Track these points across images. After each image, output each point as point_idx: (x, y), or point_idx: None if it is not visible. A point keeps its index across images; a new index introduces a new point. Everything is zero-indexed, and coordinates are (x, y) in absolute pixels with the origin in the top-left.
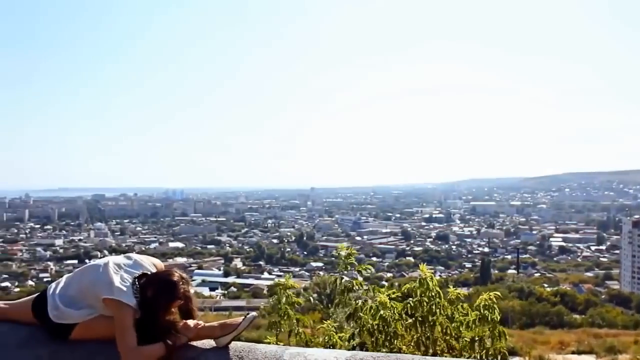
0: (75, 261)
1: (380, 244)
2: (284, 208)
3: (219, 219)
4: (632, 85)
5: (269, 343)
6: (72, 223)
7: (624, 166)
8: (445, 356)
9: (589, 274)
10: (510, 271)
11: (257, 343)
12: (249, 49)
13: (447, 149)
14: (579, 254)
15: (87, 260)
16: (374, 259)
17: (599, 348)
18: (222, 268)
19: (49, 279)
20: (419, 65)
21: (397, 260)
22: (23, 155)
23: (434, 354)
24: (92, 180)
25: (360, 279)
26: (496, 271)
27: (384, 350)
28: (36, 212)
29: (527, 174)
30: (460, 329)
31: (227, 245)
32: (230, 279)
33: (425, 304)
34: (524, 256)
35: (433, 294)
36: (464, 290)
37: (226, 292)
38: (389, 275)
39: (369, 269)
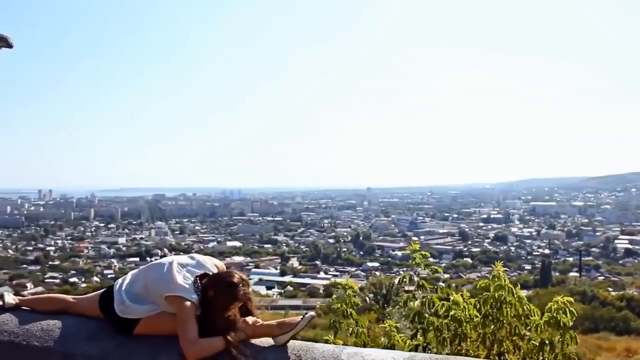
0: (137, 259)
1: (437, 244)
2: (340, 208)
3: (275, 219)
4: None
5: (327, 342)
6: (134, 222)
7: None
8: (510, 358)
9: None
10: (572, 274)
11: (315, 342)
12: (304, 48)
13: (505, 148)
14: None
15: (148, 258)
16: (431, 259)
17: None
18: (278, 267)
19: (113, 275)
20: (476, 65)
21: (454, 261)
22: (89, 156)
23: (499, 354)
24: (153, 180)
25: (415, 278)
26: (557, 273)
27: (446, 351)
28: (101, 211)
29: (589, 173)
30: (529, 330)
31: (284, 244)
32: (287, 278)
33: (495, 300)
34: (587, 258)
35: (505, 291)
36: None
37: (282, 291)
38: (446, 276)
39: (438, 270)
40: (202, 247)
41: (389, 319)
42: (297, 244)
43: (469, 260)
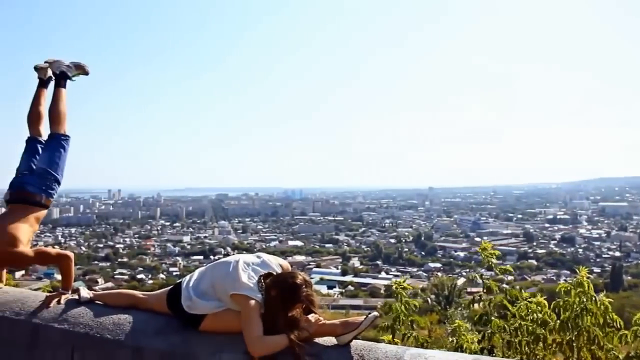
0: (201, 257)
1: (501, 245)
2: (402, 208)
3: (337, 218)
4: None
5: (390, 343)
6: (198, 221)
7: None
8: None
9: None
10: None
11: (377, 342)
12: (369, 49)
13: (572, 146)
14: None
15: (211, 257)
16: (494, 260)
17: None
18: (339, 267)
19: (178, 273)
20: (544, 61)
21: (518, 263)
22: (156, 157)
23: None
24: (216, 180)
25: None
26: (629, 277)
27: (514, 355)
28: (166, 211)
29: None
30: (612, 340)
31: (345, 244)
32: (348, 278)
33: (575, 306)
34: None
35: (587, 297)
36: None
37: (343, 290)
38: (510, 278)
39: (510, 271)
40: (263, 246)
41: (452, 321)
42: (358, 244)
43: (533, 262)
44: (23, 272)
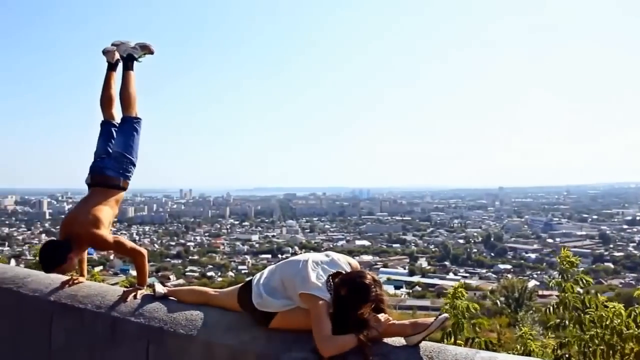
0: (269, 256)
1: (575, 247)
2: (471, 208)
3: (404, 218)
4: None
5: (460, 345)
6: (267, 220)
7: None
8: None
9: None
10: None
11: (445, 344)
12: (434, 49)
13: None
14: None
15: (279, 255)
16: (571, 268)
17: None
18: (407, 267)
19: (247, 271)
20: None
21: (593, 266)
22: (226, 158)
23: None
24: (284, 180)
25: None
26: None
27: None
28: (235, 210)
29: None
30: None
31: (413, 244)
32: (415, 278)
33: None
34: None
35: None
36: None
37: (411, 291)
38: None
39: (586, 279)
40: (331, 246)
41: (522, 325)
42: (426, 244)
43: (610, 265)
44: (101, 267)
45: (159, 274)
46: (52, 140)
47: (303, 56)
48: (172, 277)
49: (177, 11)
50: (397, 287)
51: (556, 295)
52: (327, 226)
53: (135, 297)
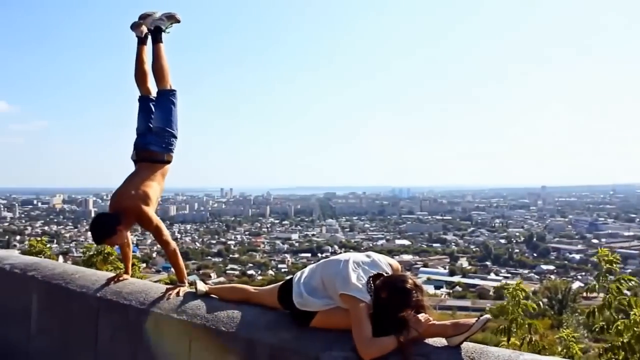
0: (309, 255)
1: (622, 248)
2: (513, 207)
3: (445, 218)
4: None
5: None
6: (307, 219)
7: None
8: None
9: None
10: None
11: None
12: (475, 44)
13: None
14: None
15: (319, 254)
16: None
17: None
18: (447, 267)
19: (286, 269)
20: None
21: None
22: (266, 157)
23: None
24: (324, 179)
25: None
26: None
27: None
28: (276, 209)
29: None
30: None
31: (453, 244)
32: (456, 278)
33: None
34: None
35: None
36: None
37: (451, 291)
38: (632, 284)
39: (633, 280)
40: (370, 245)
41: (566, 327)
42: (466, 244)
43: None
44: (144, 264)
45: (200, 271)
46: (97, 140)
47: (342, 55)
48: (212, 275)
49: (226, 4)
50: (437, 287)
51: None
52: (366, 225)
53: (177, 294)
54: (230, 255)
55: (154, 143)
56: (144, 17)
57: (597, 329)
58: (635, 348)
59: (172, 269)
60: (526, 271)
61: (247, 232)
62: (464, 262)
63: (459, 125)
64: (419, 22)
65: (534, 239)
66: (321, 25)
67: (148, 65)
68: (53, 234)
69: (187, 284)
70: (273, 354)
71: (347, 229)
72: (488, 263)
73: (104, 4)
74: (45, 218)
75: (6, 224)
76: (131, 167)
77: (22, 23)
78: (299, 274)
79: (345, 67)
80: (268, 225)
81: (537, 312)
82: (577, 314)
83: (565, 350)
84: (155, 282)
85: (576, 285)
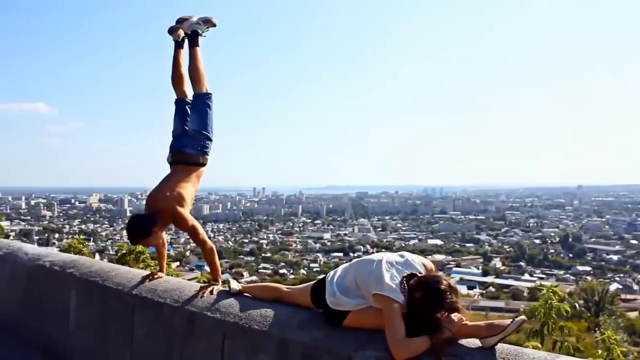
0: (341, 254)
1: None
2: (548, 207)
3: (478, 217)
4: None
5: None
6: (339, 218)
7: None
8: None
9: None
10: None
11: (523, 348)
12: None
13: None
14: None
15: (351, 254)
16: None
17: None
18: (480, 267)
19: (318, 269)
20: None
21: None
22: (298, 157)
23: None
24: (356, 179)
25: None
26: None
27: None
28: (308, 208)
29: None
30: None
31: (486, 244)
32: (489, 279)
33: None
34: None
35: None
36: None
37: (484, 291)
38: None
39: None
40: (403, 245)
41: (604, 329)
42: (500, 244)
43: None
44: (177, 263)
45: (233, 270)
46: (132, 140)
47: (373, 54)
48: (245, 274)
49: (255, 5)
50: (470, 288)
51: None
52: (399, 225)
53: (211, 292)
54: (263, 254)
55: (189, 146)
56: (181, 21)
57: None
58: None
59: (206, 268)
60: (561, 272)
61: (279, 232)
62: (497, 263)
63: (493, 124)
64: (453, 21)
65: (570, 239)
66: (349, 26)
67: (184, 69)
68: (90, 232)
69: (220, 283)
70: (306, 352)
71: (380, 229)
72: (522, 263)
73: (139, 6)
74: (83, 217)
75: (45, 222)
76: (166, 168)
77: (60, 28)
78: (332, 273)
79: (374, 67)
80: (300, 225)
81: (573, 314)
82: (615, 317)
83: (606, 353)
84: (189, 280)
85: (614, 287)
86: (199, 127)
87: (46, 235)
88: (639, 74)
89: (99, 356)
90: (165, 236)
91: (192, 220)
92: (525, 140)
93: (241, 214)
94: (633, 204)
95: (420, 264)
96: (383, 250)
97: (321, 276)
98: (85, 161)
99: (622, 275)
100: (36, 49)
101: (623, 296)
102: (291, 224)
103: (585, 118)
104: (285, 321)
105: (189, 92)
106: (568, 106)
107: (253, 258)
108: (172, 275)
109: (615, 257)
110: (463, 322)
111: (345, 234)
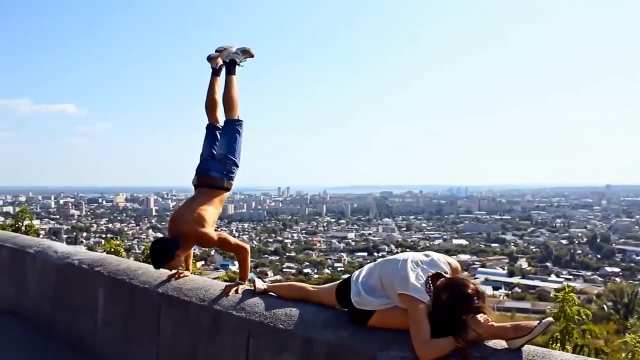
0: (365, 254)
1: None
2: (575, 207)
3: (503, 217)
4: None
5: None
6: (363, 218)
7: None
8: None
9: None
10: None
11: (551, 350)
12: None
13: None
14: None
15: (375, 254)
16: None
17: None
18: (506, 267)
19: (342, 269)
20: None
21: None
22: (322, 157)
23: None
24: (381, 178)
25: None
26: None
27: None
28: (332, 207)
29: None
30: None
31: (512, 244)
32: (515, 279)
33: None
34: None
35: None
36: None
37: (510, 292)
38: None
39: None
40: (427, 245)
41: (633, 332)
42: (526, 244)
43: None
44: (202, 262)
45: (257, 270)
46: (158, 141)
47: (400, 55)
48: (269, 273)
49: (276, 6)
50: (495, 288)
51: None
52: (423, 224)
53: (236, 291)
54: (287, 254)
55: (215, 169)
56: (220, 50)
57: None
58: None
59: (231, 267)
60: (589, 273)
61: (303, 231)
62: (523, 263)
63: (520, 124)
64: (480, 22)
65: (598, 240)
66: (375, 27)
67: (219, 95)
68: (116, 231)
69: (246, 282)
70: (330, 352)
71: (404, 228)
72: (549, 264)
73: (166, 10)
74: (109, 216)
75: (74, 221)
76: (191, 169)
77: (88, 30)
78: (357, 272)
79: (401, 68)
80: (324, 224)
81: (601, 316)
82: None
83: (630, 356)
84: (214, 279)
85: None
86: (226, 152)
87: (74, 233)
88: None
89: (126, 353)
90: None
91: (217, 236)
92: (553, 139)
93: (266, 214)
94: None
95: (446, 263)
96: (407, 250)
97: (345, 276)
98: (112, 161)
99: None
100: (66, 50)
101: None
102: (315, 224)
103: (615, 117)
104: (310, 320)
105: (221, 119)
106: (596, 105)
107: (277, 257)
108: (196, 274)
109: None
110: (489, 323)
111: (369, 234)
